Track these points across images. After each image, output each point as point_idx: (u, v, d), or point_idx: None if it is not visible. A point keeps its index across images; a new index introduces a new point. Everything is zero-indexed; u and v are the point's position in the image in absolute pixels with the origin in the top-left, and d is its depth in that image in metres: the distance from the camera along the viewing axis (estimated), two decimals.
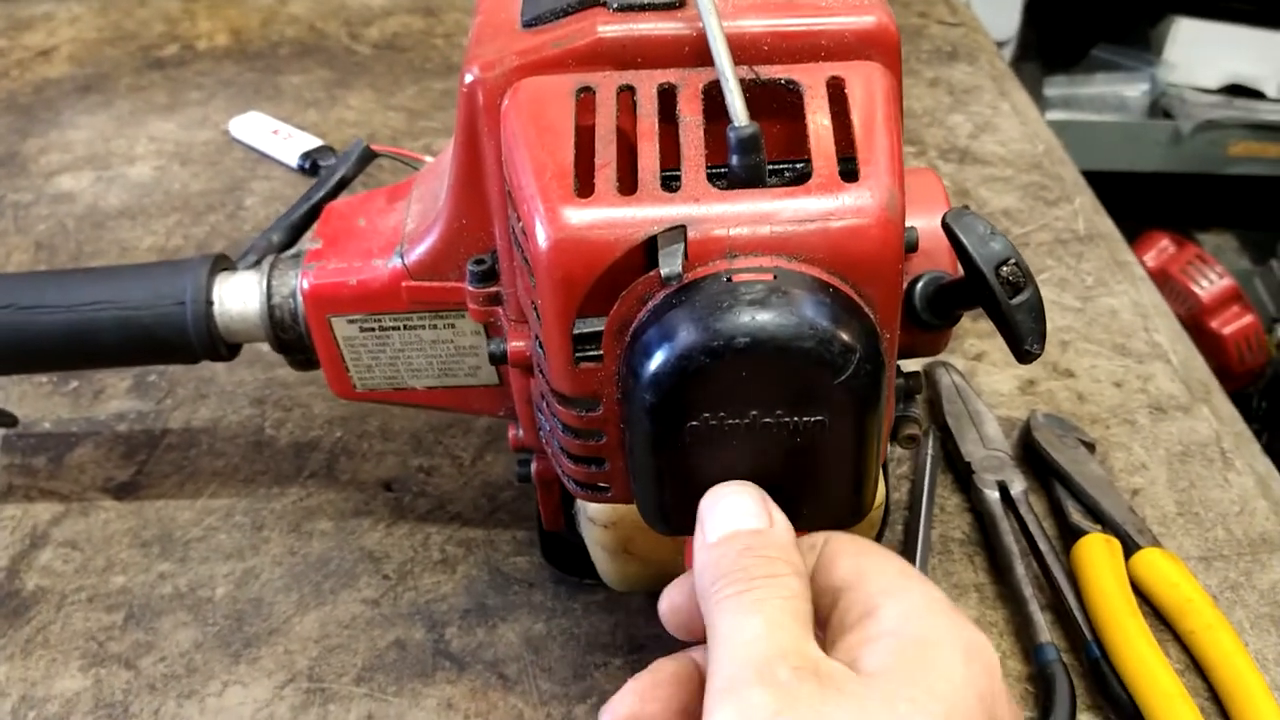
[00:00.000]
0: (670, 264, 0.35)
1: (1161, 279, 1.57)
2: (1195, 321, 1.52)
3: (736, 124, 0.36)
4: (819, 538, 0.37)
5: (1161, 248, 1.58)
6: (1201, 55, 1.70)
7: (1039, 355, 0.42)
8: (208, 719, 0.50)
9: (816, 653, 0.31)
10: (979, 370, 0.69)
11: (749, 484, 0.36)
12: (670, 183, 0.36)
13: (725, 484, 0.36)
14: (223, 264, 0.52)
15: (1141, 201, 1.71)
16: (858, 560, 0.35)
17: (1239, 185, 1.74)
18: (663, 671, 0.36)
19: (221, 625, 0.54)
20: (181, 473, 0.62)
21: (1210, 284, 1.52)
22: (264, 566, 0.57)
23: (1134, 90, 1.67)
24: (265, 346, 0.52)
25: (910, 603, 0.33)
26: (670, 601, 0.37)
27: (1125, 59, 1.73)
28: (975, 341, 0.71)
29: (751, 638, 0.31)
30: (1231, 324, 1.50)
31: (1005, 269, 0.41)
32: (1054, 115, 1.67)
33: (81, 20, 1.13)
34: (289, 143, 0.89)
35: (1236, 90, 1.73)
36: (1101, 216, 0.84)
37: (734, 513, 0.35)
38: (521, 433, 0.50)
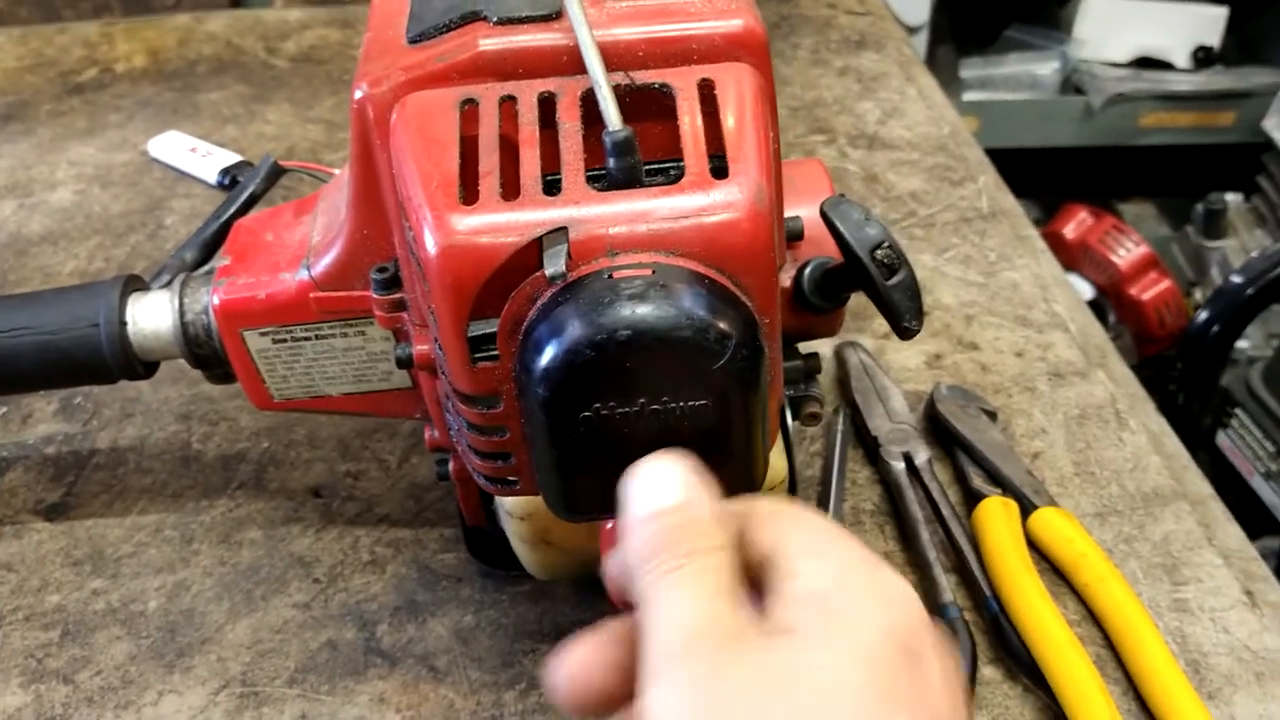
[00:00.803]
0: (554, 264, 0.37)
1: (1082, 249, 1.62)
2: (1115, 289, 1.57)
3: (611, 129, 0.38)
4: (743, 505, 0.38)
5: (1080, 220, 1.62)
6: (1110, 30, 1.75)
7: (917, 331, 0.44)
8: None
9: (741, 621, 0.33)
10: (887, 348, 0.72)
11: (672, 455, 0.36)
12: (552, 187, 0.38)
13: (649, 457, 0.37)
14: (135, 284, 0.53)
15: (1060, 176, 1.76)
16: (780, 526, 0.36)
17: (1152, 155, 1.79)
18: (613, 630, 0.37)
19: (155, 637, 0.55)
20: (110, 491, 0.63)
21: (1128, 252, 1.56)
22: (195, 578, 0.58)
23: (1046, 68, 1.72)
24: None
25: (828, 561, 0.34)
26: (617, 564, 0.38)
27: (1037, 38, 1.78)
28: (883, 321, 0.73)
29: (680, 613, 0.33)
30: (1150, 290, 1.55)
31: (880, 252, 0.43)
32: (971, 96, 1.71)
33: (2, 49, 1.12)
34: (208, 160, 0.90)
35: (1145, 63, 1.78)
36: (1004, 194, 0.88)
37: (658, 488, 0.36)
38: (436, 433, 0.51)
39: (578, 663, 0.36)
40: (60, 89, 1.06)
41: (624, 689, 0.35)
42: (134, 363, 0.52)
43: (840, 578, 0.34)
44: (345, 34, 1.13)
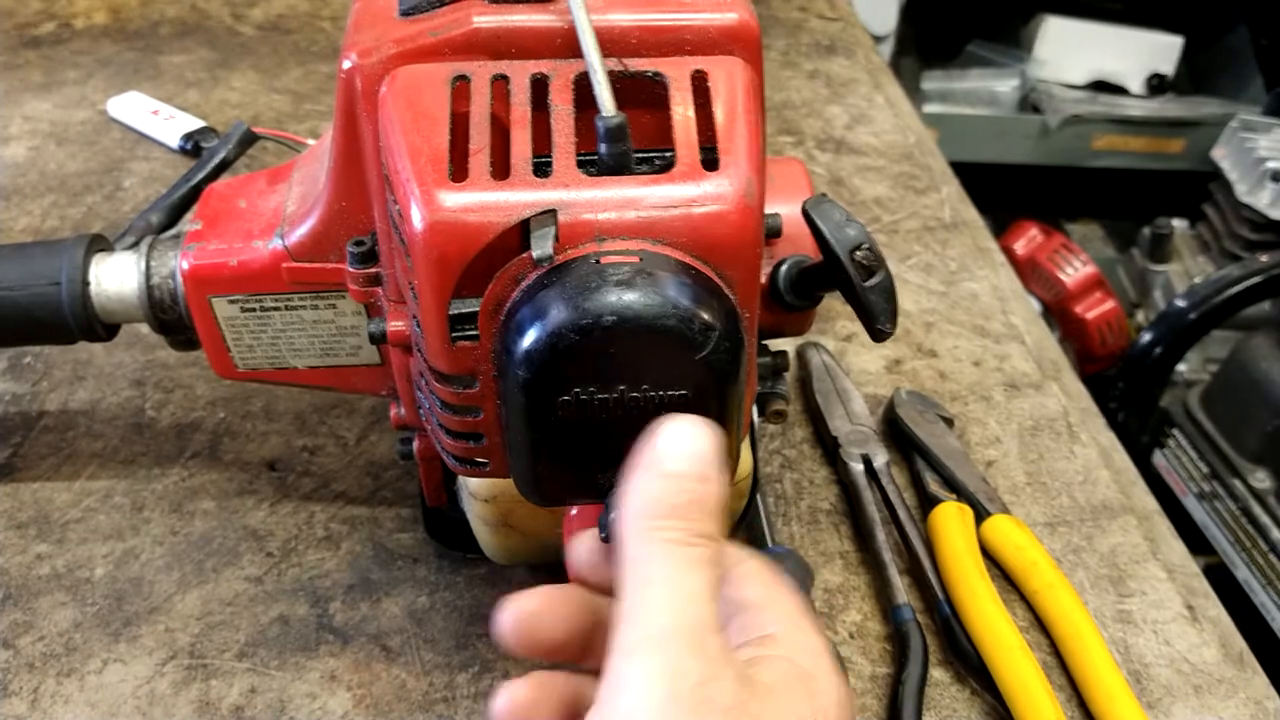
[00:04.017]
0: (542, 246, 0.37)
1: (1030, 266, 1.64)
2: (1061, 306, 1.60)
3: (604, 114, 0.38)
4: (741, 552, 0.38)
5: (1031, 236, 1.65)
6: (1069, 52, 1.78)
7: (891, 334, 0.45)
8: (88, 696, 0.50)
9: (725, 647, 0.33)
10: (849, 351, 0.73)
11: (717, 428, 0.35)
12: (542, 169, 0.38)
13: (694, 419, 0.35)
14: (99, 244, 0.52)
15: (1013, 192, 1.79)
16: (769, 589, 0.37)
17: (1103, 177, 1.83)
18: (574, 595, 0.38)
19: (101, 605, 0.54)
20: (59, 455, 0.62)
21: (1075, 271, 1.59)
22: (144, 546, 0.57)
23: (1005, 85, 1.75)
24: (145, 328, 0.52)
25: (805, 642, 0.35)
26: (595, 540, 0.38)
27: (998, 55, 1.81)
28: (846, 323, 0.74)
29: (691, 597, 0.32)
30: (1094, 309, 1.58)
31: (859, 253, 0.44)
32: (931, 108, 1.73)
33: None
34: (170, 123, 0.88)
35: (1101, 86, 1.81)
36: (966, 205, 0.89)
37: (701, 455, 0.34)
38: (403, 411, 0.51)
39: (527, 611, 0.37)
40: (15, 42, 1.03)
41: (572, 644, 0.37)
42: (95, 324, 0.51)
43: (817, 661, 0.35)
44: (314, 4, 1.11)
